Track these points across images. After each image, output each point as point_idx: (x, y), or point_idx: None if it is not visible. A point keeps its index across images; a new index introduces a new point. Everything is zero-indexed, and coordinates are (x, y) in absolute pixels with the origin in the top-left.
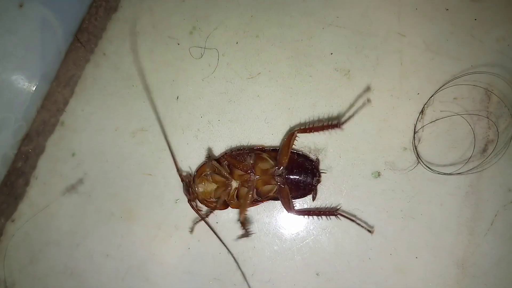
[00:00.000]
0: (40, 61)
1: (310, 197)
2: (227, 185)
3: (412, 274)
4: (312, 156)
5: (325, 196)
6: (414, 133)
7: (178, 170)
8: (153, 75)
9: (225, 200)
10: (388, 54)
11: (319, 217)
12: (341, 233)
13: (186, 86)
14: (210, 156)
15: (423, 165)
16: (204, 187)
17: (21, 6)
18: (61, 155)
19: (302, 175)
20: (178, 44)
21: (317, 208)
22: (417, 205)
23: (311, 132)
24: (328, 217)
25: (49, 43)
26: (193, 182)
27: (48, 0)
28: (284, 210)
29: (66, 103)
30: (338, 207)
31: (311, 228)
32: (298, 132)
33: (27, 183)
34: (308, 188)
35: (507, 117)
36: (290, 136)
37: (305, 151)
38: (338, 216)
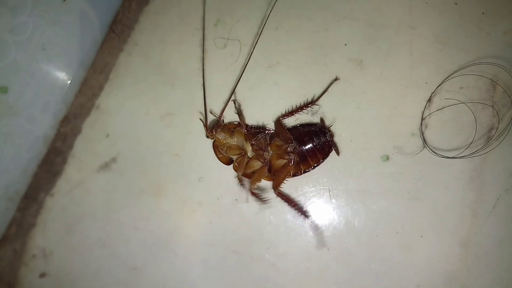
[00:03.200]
0: (78, 50)
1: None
2: (243, 151)
3: (417, 252)
4: (315, 120)
5: (336, 177)
6: (422, 119)
7: (206, 110)
8: (181, 64)
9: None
10: (399, 45)
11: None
12: (351, 211)
13: (210, 75)
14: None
15: (429, 149)
16: (224, 137)
17: (64, 0)
18: (96, 136)
19: (314, 139)
20: (204, 35)
21: (295, 203)
22: (423, 187)
23: (293, 114)
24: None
25: (87, 34)
26: (219, 127)
27: None
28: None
29: (101, 88)
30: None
31: (323, 206)
32: (281, 118)
33: (64, 161)
34: (327, 146)
35: (510, 107)
36: (277, 122)
37: (306, 119)
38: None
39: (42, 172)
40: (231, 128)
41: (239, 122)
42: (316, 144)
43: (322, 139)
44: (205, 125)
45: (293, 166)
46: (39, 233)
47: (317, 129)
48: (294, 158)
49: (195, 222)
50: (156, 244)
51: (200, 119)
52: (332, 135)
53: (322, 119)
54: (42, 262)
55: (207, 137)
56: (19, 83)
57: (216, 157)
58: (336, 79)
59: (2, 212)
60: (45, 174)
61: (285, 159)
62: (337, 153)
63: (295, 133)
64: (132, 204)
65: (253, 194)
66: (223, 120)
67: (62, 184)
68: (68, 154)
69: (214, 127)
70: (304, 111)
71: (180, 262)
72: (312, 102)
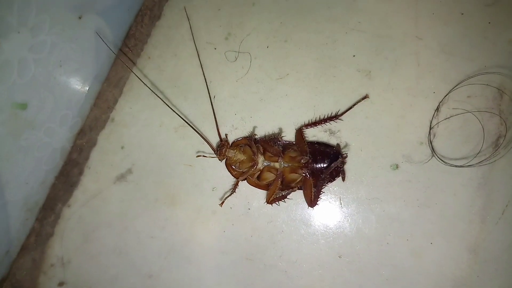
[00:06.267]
0: (93, 65)
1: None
2: (253, 162)
3: (427, 258)
4: (332, 143)
5: (347, 186)
6: (430, 128)
7: (218, 131)
8: (193, 76)
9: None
10: (406, 55)
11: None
12: (362, 219)
13: (222, 87)
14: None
15: (437, 158)
16: (234, 154)
17: (80, 17)
18: (112, 147)
19: (326, 160)
20: (215, 48)
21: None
22: (432, 195)
23: (316, 125)
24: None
25: (102, 48)
26: (228, 146)
27: (102, 11)
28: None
29: (115, 101)
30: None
31: (334, 214)
32: (304, 127)
33: (81, 173)
34: (336, 170)
35: None
36: (299, 131)
37: (324, 139)
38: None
39: (59, 183)
40: (239, 144)
41: (246, 137)
42: (327, 166)
43: (333, 164)
44: (214, 151)
45: (311, 182)
46: (57, 243)
47: (332, 152)
48: (307, 173)
49: (209, 231)
50: (171, 252)
51: (199, 155)
52: (343, 163)
53: (338, 145)
54: (60, 270)
55: (220, 160)
56: (38, 98)
57: (231, 174)
58: (365, 97)
59: (22, 223)
60: (62, 185)
61: (298, 173)
62: (343, 179)
63: (310, 149)
64: (148, 213)
65: (273, 201)
66: (227, 139)
67: (78, 195)
68: (84, 165)
69: (222, 148)
70: (327, 123)
71: (195, 269)
72: (337, 116)
